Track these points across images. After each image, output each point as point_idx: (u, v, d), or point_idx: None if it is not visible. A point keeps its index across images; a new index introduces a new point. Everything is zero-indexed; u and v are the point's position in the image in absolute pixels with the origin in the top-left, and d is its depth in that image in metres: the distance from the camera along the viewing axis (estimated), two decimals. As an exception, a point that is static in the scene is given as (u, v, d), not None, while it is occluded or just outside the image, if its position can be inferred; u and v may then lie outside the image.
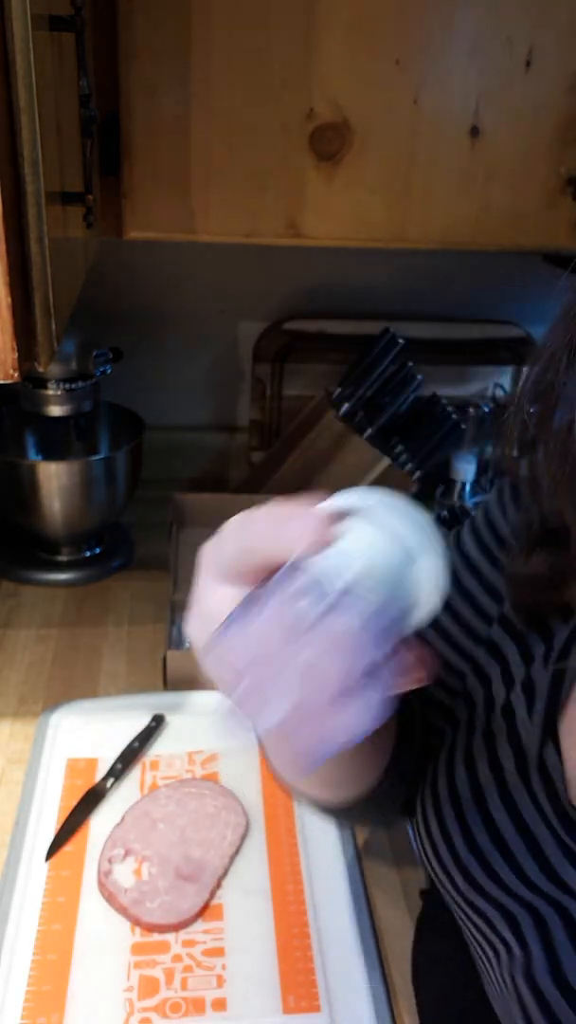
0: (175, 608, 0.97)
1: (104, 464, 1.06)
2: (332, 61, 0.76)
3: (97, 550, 1.15)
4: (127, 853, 0.71)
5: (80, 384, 1.02)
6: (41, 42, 0.45)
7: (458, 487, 1.31)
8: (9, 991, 0.61)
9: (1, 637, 1.00)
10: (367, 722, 0.28)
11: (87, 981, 0.62)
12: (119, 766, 0.80)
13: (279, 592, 0.28)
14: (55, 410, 1.04)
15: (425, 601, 0.32)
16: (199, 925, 0.66)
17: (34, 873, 0.70)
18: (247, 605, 0.29)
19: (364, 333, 1.22)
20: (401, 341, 1.17)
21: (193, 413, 1.35)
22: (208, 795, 0.76)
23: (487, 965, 0.49)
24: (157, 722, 0.85)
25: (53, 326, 0.49)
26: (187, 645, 0.92)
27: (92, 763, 0.81)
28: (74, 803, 0.76)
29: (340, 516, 0.32)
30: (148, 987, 0.62)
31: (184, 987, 0.62)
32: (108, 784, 0.78)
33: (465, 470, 1.29)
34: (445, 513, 1.22)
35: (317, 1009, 0.61)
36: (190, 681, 0.90)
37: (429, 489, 1.32)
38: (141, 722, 0.85)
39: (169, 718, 0.86)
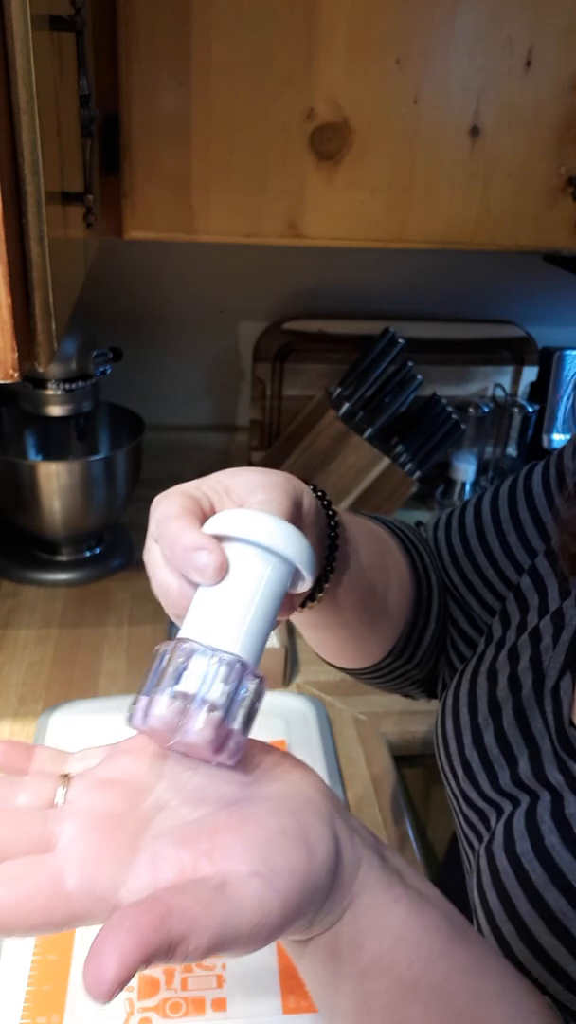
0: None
1: (104, 464, 1.06)
2: (332, 61, 0.76)
3: (97, 550, 1.15)
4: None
5: (80, 384, 1.02)
6: (41, 42, 0.45)
7: (458, 487, 1.31)
8: (9, 991, 0.61)
9: (1, 637, 1.00)
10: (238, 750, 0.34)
11: (87, 981, 0.62)
12: (119, 766, 0.80)
13: (166, 679, 0.34)
14: (55, 410, 1.04)
15: (302, 581, 0.39)
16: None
17: (34, 873, 0.70)
18: (151, 678, 0.35)
19: (364, 333, 1.22)
20: (401, 341, 1.17)
21: (193, 413, 1.35)
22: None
23: (469, 859, 0.53)
24: (157, 722, 0.85)
25: (53, 326, 0.49)
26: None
27: (92, 763, 0.81)
28: (74, 803, 0.76)
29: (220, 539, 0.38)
30: (148, 987, 0.62)
31: (184, 987, 0.62)
32: (108, 784, 0.78)
33: (465, 470, 1.29)
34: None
35: (317, 1009, 0.61)
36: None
37: (429, 489, 1.33)
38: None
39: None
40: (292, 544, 0.37)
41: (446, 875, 0.71)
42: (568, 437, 0.63)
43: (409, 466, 1.19)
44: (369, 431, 1.18)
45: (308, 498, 0.43)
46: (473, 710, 0.54)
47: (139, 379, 1.25)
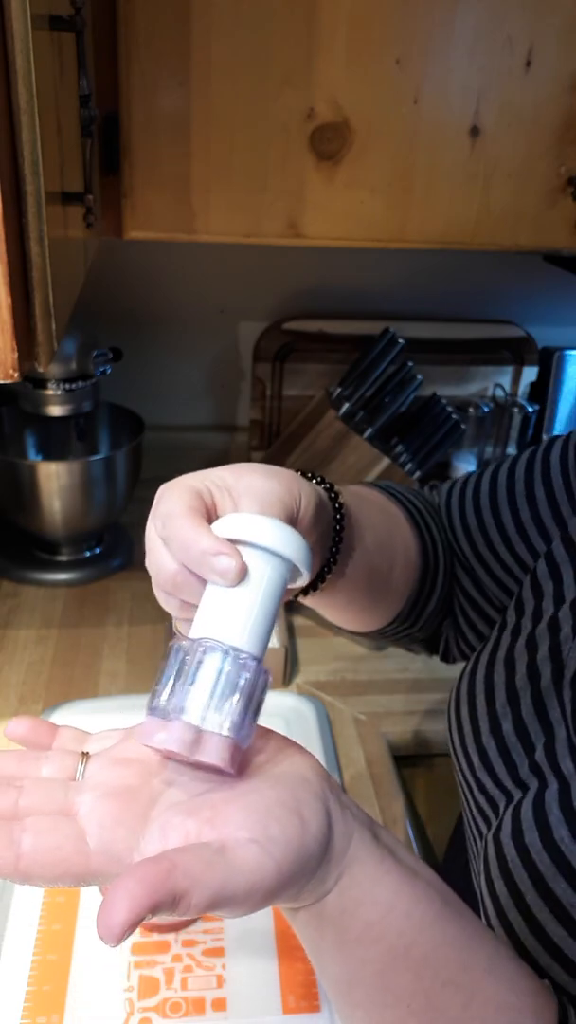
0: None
1: (104, 464, 1.06)
2: (332, 61, 0.76)
3: (97, 550, 1.15)
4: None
5: (80, 384, 1.02)
6: (41, 42, 0.45)
7: (458, 487, 1.31)
8: (9, 991, 0.61)
9: (1, 637, 1.00)
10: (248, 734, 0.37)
11: (87, 981, 0.62)
12: (119, 766, 0.80)
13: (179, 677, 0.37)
14: (55, 410, 1.04)
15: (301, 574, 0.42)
16: (199, 925, 0.66)
17: (34, 873, 0.70)
18: (166, 673, 0.38)
19: (364, 333, 1.22)
20: (401, 341, 1.17)
21: (193, 413, 1.35)
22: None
23: (476, 846, 0.53)
24: (157, 722, 0.85)
25: (53, 326, 0.49)
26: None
27: (92, 763, 0.81)
28: (74, 803, 0.76)
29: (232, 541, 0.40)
30: (148, 987, 0.62)
31: (184, 987, 0.62)
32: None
33: (465, 470, 1.29)
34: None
35: (317, 1009, 0.61)
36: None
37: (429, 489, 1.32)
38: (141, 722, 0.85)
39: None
40: (291, 545, 0.40)
41: (447, 869, 0.71)
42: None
43: (409, 466, 1.19)
44: (369, 431, 1.18)
45: (307, 499, 0.45)
46: (490, 698, 0.55)
47: (139, 379, 1.25)
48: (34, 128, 0.43)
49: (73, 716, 0.86)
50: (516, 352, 1.31)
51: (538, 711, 0.51)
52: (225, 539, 0.39)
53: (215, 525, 0.40)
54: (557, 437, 0.63)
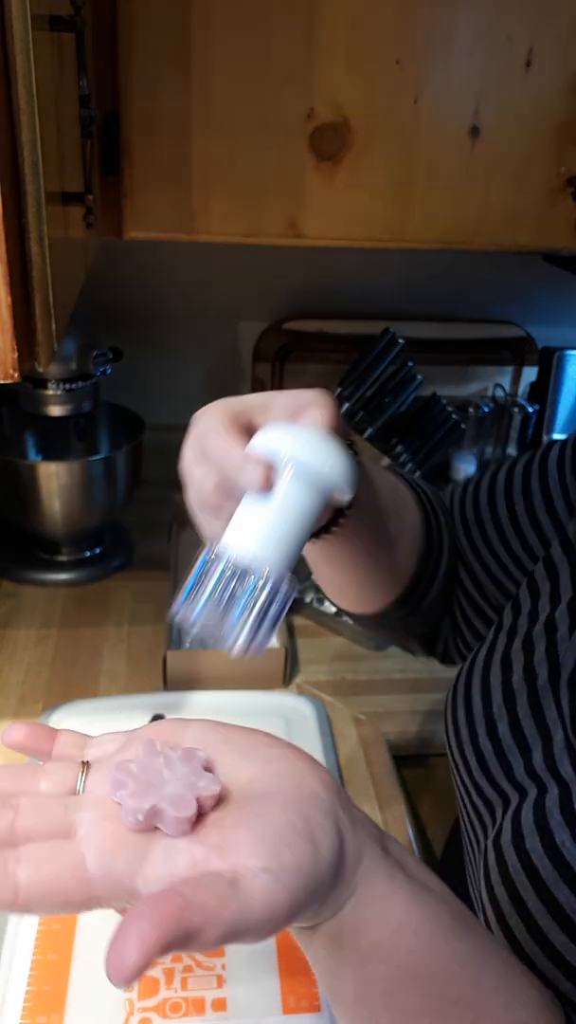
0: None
1: (104, 464, 1.06)
2: (332, 61, 0.76)
3: (97, 550, 1.15)
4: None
5: (80, 384, 1.02)
6: (41, 42, 0.45)
7: (458, 487, 1.31)
8: (9, 991, 0.61)
9: (1, 637, 1.00)
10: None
11: (87, 981, 0.62)
12: (119, 766, 0.79)
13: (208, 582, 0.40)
14: (55, 410, 1.04)
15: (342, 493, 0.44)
16: (199, 925, 0.66)
17: (34, 873, 0.70)
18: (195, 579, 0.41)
19: (364, 333, 1.22)
20: (401, 341, 1.17)
21: (193, 413, 1.34)
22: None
23: (474, 849, 0.53)
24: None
25: (53, 326, 0.50)
26: (187, 645, 0.92)
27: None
28: (74, 803, 0.76)
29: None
30: (148, 987, 0.61)
31: (184, 987, 0.62)
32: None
33: (465, 470, 1.29)
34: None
35: (317, 1009, 0.61)
36: (190, 681, 0.90)
37: (429, 489, 1.32)
38: (141, 722, 0.83)
39: (169, 718, 0.86)
40: (333, 459, 0.42)
41: (445, 871, 0.71)
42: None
43: (409, 466, 1.19)
44: (369, 431, 1.18)
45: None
46: (487, 700, 0.55)
47: (139, 379, 1.25)
48: (34, 128, 0.43)
49: (73, 716, 0.86)
50: (516, 352, 1.31)
51: (535, 712, 0.51)
52: (261, 452, 0.41)
53: (258, 436, 0.42)
54: (555, 442, 0.63)
